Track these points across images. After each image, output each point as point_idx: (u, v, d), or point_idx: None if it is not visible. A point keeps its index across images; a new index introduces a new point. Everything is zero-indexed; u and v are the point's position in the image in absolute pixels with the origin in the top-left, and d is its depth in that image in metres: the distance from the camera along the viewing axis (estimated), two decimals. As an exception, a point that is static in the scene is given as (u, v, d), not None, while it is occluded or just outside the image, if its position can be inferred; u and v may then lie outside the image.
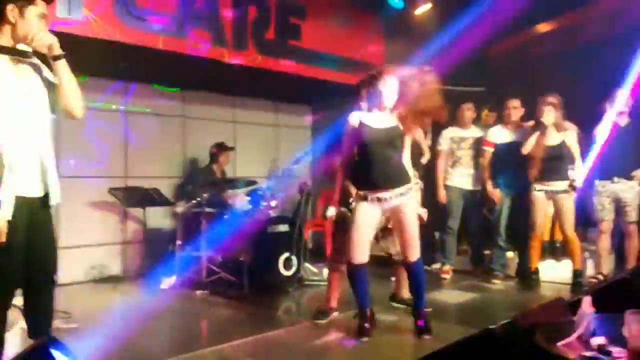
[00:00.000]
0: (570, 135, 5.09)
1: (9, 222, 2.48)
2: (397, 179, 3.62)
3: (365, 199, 3.59)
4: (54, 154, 2.77)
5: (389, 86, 3.62)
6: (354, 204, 3.65)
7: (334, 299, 4.12)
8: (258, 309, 4.71)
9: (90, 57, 5.20)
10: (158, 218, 6.36)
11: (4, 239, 2.47)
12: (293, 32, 6.22)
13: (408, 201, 3.64)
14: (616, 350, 1.81)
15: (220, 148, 6.31)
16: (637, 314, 1.96)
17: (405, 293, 4.29)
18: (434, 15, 6.65)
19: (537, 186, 5.13)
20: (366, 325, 3.66)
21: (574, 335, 2.05)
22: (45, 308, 2.86)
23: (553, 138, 5.07)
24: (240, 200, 5.65)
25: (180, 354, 3.45)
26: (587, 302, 2.31)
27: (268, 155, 7.53)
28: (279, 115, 7.83)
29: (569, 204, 5.07)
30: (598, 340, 1.90)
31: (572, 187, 5.09)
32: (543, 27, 6.59)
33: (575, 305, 3.13)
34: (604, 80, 5.77)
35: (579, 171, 5.11)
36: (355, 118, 3.68)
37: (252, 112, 7.49)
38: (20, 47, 2.61)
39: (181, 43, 5.33)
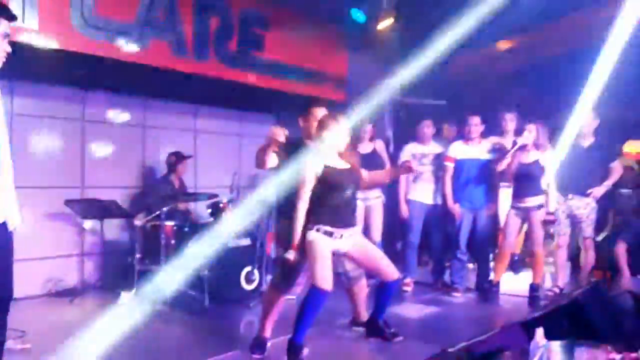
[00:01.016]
0: (546, 155, 5.18)
1: None
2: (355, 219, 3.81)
3: (330, 235, 3.57)
4: (13, 175, 2.69)
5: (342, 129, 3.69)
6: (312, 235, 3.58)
7: (269, 328, 3.87)
8: (218, 326, 4.65)
9: (46, 66, 5.10)
10: (115, 230, 6.23)
11: None
12: (256, 43, 6.18)
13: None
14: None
15: (177, 157, 6.22)
16: (586, 348, 2.02)
17: (365, 316, 4.25)
18: (396, 29, 6.70)
19: (512, 205, 5.23)
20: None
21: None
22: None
23: (529, 156, 5.17)
24: (200, 213, 5.58)
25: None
26: (540, 334, 2.38)
27: (230, 165, 7.45)
28: (242, 124, 7.76)
29: (540, 220, 5.17)
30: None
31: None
32: (503, 44, 6.71)
33: (527, 326, 3.21)
34: (563, 96, 5.95)
35: (552, 195, 5.19)
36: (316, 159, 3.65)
37: (214, 122, 7.41)
38: None
39: (141, 53, 5.24)
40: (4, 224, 2.62)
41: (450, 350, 2.87)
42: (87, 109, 6.14)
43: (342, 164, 3.70)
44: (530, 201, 5.18)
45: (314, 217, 3.55)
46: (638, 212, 5.81)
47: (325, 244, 3.54)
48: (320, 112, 3.92)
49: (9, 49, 2.58)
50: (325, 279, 3.46)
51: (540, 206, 5.18)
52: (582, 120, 5.25)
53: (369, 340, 4.12)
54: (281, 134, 3.74)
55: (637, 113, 6.48)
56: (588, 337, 3.03)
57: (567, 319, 3.28)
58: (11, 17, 2.60)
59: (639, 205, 5.98)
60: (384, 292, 3.88)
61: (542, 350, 2.10)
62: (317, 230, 3.53)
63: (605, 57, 5.53)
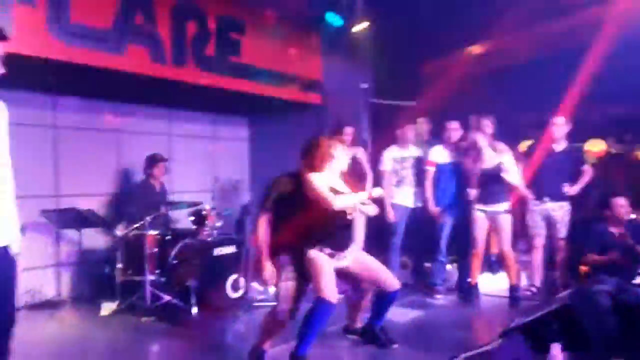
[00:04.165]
0: (506, 157, 5.32)
1: None
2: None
3: (332, 257, 3.65)
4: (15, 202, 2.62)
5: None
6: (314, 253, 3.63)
7: (269, 342, 3.84)
8: (209, 337, 4.61)
9: (18, 73, 4.91)
10: (92, 238, 6.09)
11: None
12: (233, 48, 6.12)
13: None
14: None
15: (153, 160, 6.12)
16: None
17: (358, 323, 4.33)
18: (370, 32, 6.76)
19: (478, 207, 5.37)
20: None
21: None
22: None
23: (490, 160, 5.29)
24: (183, 221, 5.52)
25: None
26: (557, 349, 2.48)
27: (206, 168, 7.39)
28: (216, 127, 7.70)
29: (506, 223, 5.33)
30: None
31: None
32: (476, 49, 6.87)
33: (508, 333, 3.32)
34: (535, 100, 6.14)
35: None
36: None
37: (188, 125, 7.33)
38: None
39: (119, 59, 5.12)
40: (6, 248, 2.56)
41: (456, 360, 2.95)
42: (59, 115, 6.00)
43: (344, 188, 3.77)
44: (496, 207, 5.33)
45: (315, 239, 3.59)
46: (597, 214, 5.96)
47: (327, 259, 3.60)
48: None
49: (3, 70, 2.51)
50: (330, 291, 3.51)
51: (505, 211, 5.32)
52: (554, 124, 5.41)
53: (363, 347, 4.19)
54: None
55: (597, 113, 6.75)
56: (578, 340, 3.18)
57: (558, 322, 3.42)
58: (3, 38, 2.53)
59: (597, 205, 6.14)
60: (383, 301, 3.97)
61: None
62: (320, 250, 3.59)
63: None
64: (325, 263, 3.59)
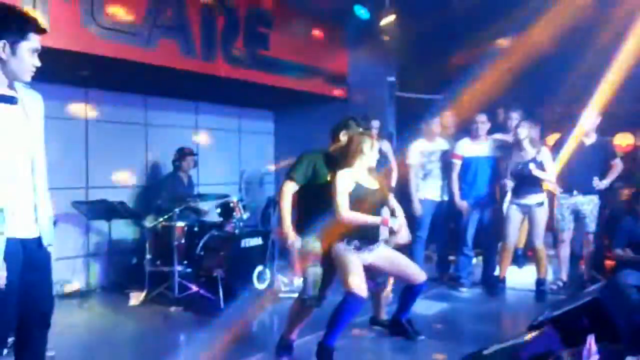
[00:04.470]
0: (543, 152, 5.28)
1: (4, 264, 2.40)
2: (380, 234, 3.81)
3: (358, 249, 3.65)
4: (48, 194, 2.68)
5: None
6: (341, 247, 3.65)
7: (296, 332, 3.90)
8: (237, 328, 4.60)
9: (51, 66, 5.00)
10: (121, 229, 6.20)
11: (2, 284, 2.38)
12: (261, 42, 6.18)
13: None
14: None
15: (182, 153, 6.21)
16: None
17: (383, 315, 4.39)
18: (397, 26, 6.74)
19: (512, 201, 5.34)
20: None
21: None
22: (38, 350, 2.78)
23: (527, 154, 5.27)
24: (211, 213, 5.58)
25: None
26: (591, 341, 2.46)
27: (231, 161, 7.47)
28: (241, 121, 7.76)
29: (541, 216, 5.30)
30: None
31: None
32: (504, 42, 6.81)
33: (538, 326, 3.30)
34: (563, 93, 6.07)
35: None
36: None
37: (214, 118, 7.40)
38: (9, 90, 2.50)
39: (150, 53, 5.19)
40: (39, 240, 2.62)
41: (486, 352, 2.94)
42: (89, 108, 6.10)
43: (373, 184, 3.77)
44: (530, 199, 5.30)
45: (343, 233, 3.60)
46: (629, 209, 5.91)
47: (355, 254, 3.63)
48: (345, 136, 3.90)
49: (38, 64, 2.54)
50: (359, 286, 3.52)
51: (540, 203, 5.30)
52: (585, 118, 5.37)
53: (389, 338, 4.22)
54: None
55: (625, 106, 6.65)
56: (607, 334, 3.16)
57: (588, 316, 3.40)
58: (40, 31, 2.51)
59: (629, 199, 6.08)
60: (410, 294, 3.99)
61: (596, 357, 2.18)
62: (347, 243, 3.61)
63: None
64: (353, 258, 3.61)
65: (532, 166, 5.14)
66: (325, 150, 3.94)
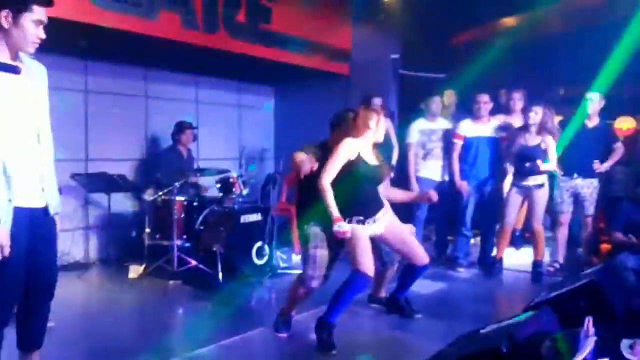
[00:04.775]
0: (549, 139, 5.24)
1: (10, 233, 2.42)
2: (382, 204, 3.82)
3: (362, 222, 3.64)
4: (53, 164, 2.68)
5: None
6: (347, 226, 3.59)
7: (295, 308, 3.91)
8: (236, 303, 4.65)
9: (52, 36, 4.93)
10: (120, 203, 6.18)
11: (7, 253, 2.39)
12: (264, 15, 6.10)
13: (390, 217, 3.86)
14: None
15: (181, 127, 6.16)
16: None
17: (382, 293, 4.41)
18: (402, 3, 6.67)
19: (514, 182, 5.34)
20: (332, 339, 3.58)
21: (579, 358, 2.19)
22: (41, 319, 2.81)
23: (532, 139, 5.25)
24: (211, 188, 5.57)
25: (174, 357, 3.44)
26: (589, 323, 2.47)
27: (231, 136, 7.44)
28: (241, 95, 7.71)
29: (541, 198, 5.30)
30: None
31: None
32: (508, 21, 6.75)
33: (535, 307, 3.31)
34: (566, 75, 6.02)
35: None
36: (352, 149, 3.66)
37: (214, 92, 7.35)
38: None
39: (151, 25, 5.13)
40: (46, 209, 2.62)
41: (482, 331, 2.95)
42: (89, 79, 6.05)
43: (374, 160, 3.76)
44: (531, 180, 5.30)
45: (345, 211, 3.58)
46: (629, 193, 5.93)
47: (362, 229, 3.62)
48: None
49: (43, 36, 2.52)
50: (366, 265, 3.53)
51: (541, 185, 5.30)
52: (590, 100, 5.33)
53: (387, 316, 4.26)
54: (307, 163, 3.67)
55: (627, 90, 6.62)
56: (604, 317, 3.18)
57: (585, 298, 3.42)
58: (45, 3, 2.51)
59: (629, 183, 6.10)
60: (410, 274, 4.02)
61: (593, 339, 2.20)
62: (350, 221, 3.59)
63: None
64: (361, 234, 3.60)
65: (539, 162, 5.14)
66: (324, 141, 3.93)
